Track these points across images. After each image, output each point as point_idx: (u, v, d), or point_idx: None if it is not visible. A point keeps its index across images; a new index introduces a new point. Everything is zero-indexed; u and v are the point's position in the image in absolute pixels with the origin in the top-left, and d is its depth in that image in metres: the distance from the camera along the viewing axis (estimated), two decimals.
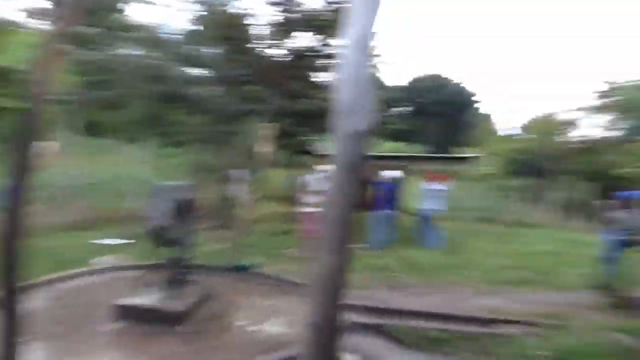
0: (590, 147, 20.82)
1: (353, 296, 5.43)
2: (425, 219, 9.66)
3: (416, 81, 43.51)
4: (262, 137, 6.05)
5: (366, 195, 12.83)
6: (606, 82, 19.13)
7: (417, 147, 31.57)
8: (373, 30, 2.03)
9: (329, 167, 7.34)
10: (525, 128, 22.14)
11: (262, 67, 10.51)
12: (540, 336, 4.26)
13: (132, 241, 4.46)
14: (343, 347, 3.70)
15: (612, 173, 20.26)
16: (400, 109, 41.29)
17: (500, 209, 17.13)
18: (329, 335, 2.00)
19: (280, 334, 3.94)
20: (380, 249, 8.76)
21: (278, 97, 10.23)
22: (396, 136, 34.76)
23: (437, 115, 41.83)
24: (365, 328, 4.07)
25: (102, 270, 5.39)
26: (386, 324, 4.36)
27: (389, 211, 9.47)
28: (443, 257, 8.31)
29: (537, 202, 18.69)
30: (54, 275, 5.11)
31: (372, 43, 2.05)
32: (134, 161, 17.59)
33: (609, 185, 19.15)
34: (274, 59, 10.53)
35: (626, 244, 6.29)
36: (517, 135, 27.06)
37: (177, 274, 4.07)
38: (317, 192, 7.27)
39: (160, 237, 3.89)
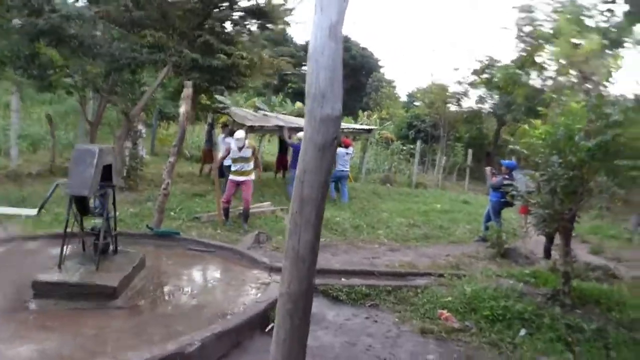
0: (469, 117, 23.56)
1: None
2: (339, 179, 10.70)
3: None
4: (185, 95, 5.61)
5: (285, 158, 13.31)
6: (478, 60, 21.41)
7: None
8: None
9: (241, 134, 7.24)
10: (418, 95, 23.92)
11: (165, 11, 9.46)
12: (446, 285, 4.94)
13: (34, 210, 3.87)
14: None
15: (488, 142, 23.39)
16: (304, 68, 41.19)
17: (397, 172, 18.68)
18: (304, 303, 2.11)
19: (218, 302, 3.91)
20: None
21: (185, 47, 9.41)
22: (298, 95, 34.86)
23: (344, 77, 42.72)
24: None
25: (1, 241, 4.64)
26: (319, 284, 4.60)
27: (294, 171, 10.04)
28: (356, 218, 8.87)
29: (429, 166, 20.76)
30: None
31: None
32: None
33: (486, 152, 22.21)
34: (181, 2, 9.53)
35: (506, 204, 7.46)
36: (413, 102, 29.25)
37: (102, 244, 3.71)
38: (238, 159, 7.14)
39: (84, 206, 3.48)
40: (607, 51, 13.73)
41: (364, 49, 46.01)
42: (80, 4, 8.51)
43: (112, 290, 3.43)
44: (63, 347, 2.80)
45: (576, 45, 15.01)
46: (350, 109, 39.63)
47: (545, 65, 18.54)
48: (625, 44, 8.35)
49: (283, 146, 13.08)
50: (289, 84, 37.33)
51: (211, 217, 7.57)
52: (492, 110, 21.73)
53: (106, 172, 3.74)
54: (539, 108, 7.60)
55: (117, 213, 4.14)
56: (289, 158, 12.40)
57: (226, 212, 7.37)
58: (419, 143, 17.70)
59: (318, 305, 4.29)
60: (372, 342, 3.66)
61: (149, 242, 5.37)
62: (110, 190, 3.87)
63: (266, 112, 14.09)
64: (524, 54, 19.08)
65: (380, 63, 48.50)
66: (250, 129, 10.64)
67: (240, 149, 7.23)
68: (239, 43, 10.41)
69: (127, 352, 2.58)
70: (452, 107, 24.09)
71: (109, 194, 3.85)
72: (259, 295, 3.98)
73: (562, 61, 16.72)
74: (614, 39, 8.42)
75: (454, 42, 41.31)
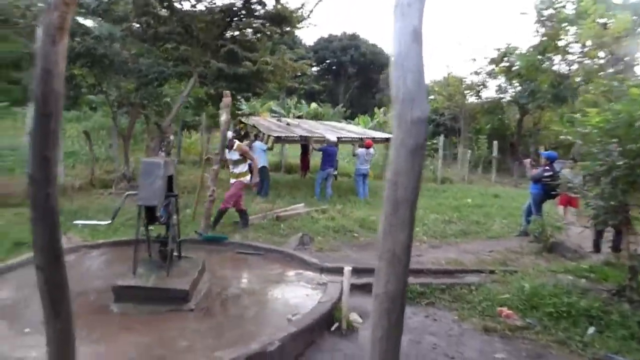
0: (489, 108, 23.20)
1: (329, 258, 5.70)
2: (362, 177, 11.34)
3: (328, 40, 43.41)
4: (224, 104, 5.74)
5: (307, 159, 13.77)
6: (496, 49, 21.01)
7: (328, 108, 31.84)
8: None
9: (229, 135, 7.19)
10: (436, 89, 23.67)
11: (187, 24, 9.66)
12: (500, 282, 4.91)
13: (107, 220, 4.08)
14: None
15: (510, 132, 22.98)
16: (316, 68, 41.32)
17: None
18: (401, 302, 2.16)
19: (281, 303, 4.01)
20: (326, 200, 10.23)
21: (209, 58, 9.59)
22: (310, 96, 34.90)
23: (352, 75, 42.61)
24: (357, 288, 4.30)
25: (70, 250, 4.86)
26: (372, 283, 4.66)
27: (330, 169, 10.87)
28: None
29: (451, 160, 20.56)
30: (19, 258, 4.54)
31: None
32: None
33: (509, 142, 21.86)
34: (202, 15, 9.71)
35: (548, 197, 7.37)
36: (429, 95, 28.94)
37: (169, 250, 3.86)
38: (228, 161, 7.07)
39: (152, 215, 3.62)
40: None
41: (373, 45, 45.79)
42: (102, 24, 8.71)
43: (184, 294, 3.57)
44: (153, 346, 2.96)
45: (604, 25, 14.58)
46: (363, 107, 39.62)
47: (569, 49, 18.11)
48: None
49: (305, 148, 13.50)
50: (301, 86, 37.59)
51: (250, 221, 7.69)
52: (513, 100, 21.34)
53: (169, 183, 3.89)
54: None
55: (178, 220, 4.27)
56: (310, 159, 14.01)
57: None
58: (441, 137, 17.54)
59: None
60: (436, 340, 3.69)
61: (199, 248, 5.51)
62: (174, 199, 4.01)
63: (288, 121, 14.31)
64: (545, 38, 18.68)
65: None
66: (277, 140, 10.94)
67: (228, 149, 6.95)
68: (261, 49, 10.55)
69: (214, 351, 2.69)
70: (471, 99, 23.81)
71: (172, 203, 3.99)
72: (319, 295, 4.05)
73: (589, 43, 16.27)
74: None
75: (468, 32, 40.75)
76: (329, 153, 10.81)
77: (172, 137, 11.00)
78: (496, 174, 18.59)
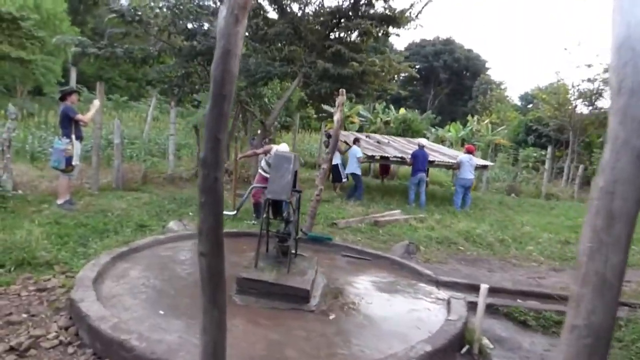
0: (605, 120, 20.60)
1: (439, 270, 5.30)
2: (466, 187, 10.60)
3: (420, 45, 42.22)
4: (339, 102, 5.63)
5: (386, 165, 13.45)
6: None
7: (416, 114, 30.76)
8: None
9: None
10: (543, 96, 21.61)
11: (297, 26, 9.83)
12: None
13: (233, 211, 4.19)
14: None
15: None
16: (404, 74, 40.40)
17: (520, 180, 17.12)
18: (605, 342, 1.77)
19: (403, 315, 3.72)
20: (421, 208, 9.88)
21: (315, 58, 9.65)
22: (396, 102, 34.07)
23: (443, 81, 41.01)
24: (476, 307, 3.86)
25: (184, 237, 5.09)
26: (499, 304, 4.19)
27: (423, 174, 10.42)
28: (497, 230, 8.17)
29: (555, 174, 18.66)
30: (144, 240, 4.86)
31: None
32: (148, 119, 17.00)
33: None
34: (311, 17, 9.82)
35: None
36: (531, 103, 26.69)
37: (288, 247, 3.79)
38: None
39: (278, 210, 3.58)
40: None
41: (469, 50, 43.71)
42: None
43: (305, 293, 3.46)
44: (284, 346, 2.88)
45: None
46: (452, 114, 37.79)
47: None
48: None
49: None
50: (388, 91, 37.01)
51: (348, 223, 7.55)
52: None
53: (295, 178, 3.82)
54: None
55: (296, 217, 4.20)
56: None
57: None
58: (549, 149, 15.96)
59: (506, 330, 3.91)
60: None
61: (304, 247, 5.44)
62: (298, 195, 3.94)
63: (378, 138, 13.95)
64: None
65: (487, 65, 45.63)
66: (371, 159, 10.83)
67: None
68: (366, 51, 10.40)
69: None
70: (583, 109, 21.37)
71: (296, 199, 3.92)
72: (442, 311, 3.71)
73: None
74: None
75: (579, 38, 36.90)
76: (419, 157, 10.34)
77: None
78: None
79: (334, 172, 10.79)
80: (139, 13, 8.49)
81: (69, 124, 6.41)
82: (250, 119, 11.81)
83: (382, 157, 11.04)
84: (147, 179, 9.65)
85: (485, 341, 3.43)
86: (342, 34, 10.41)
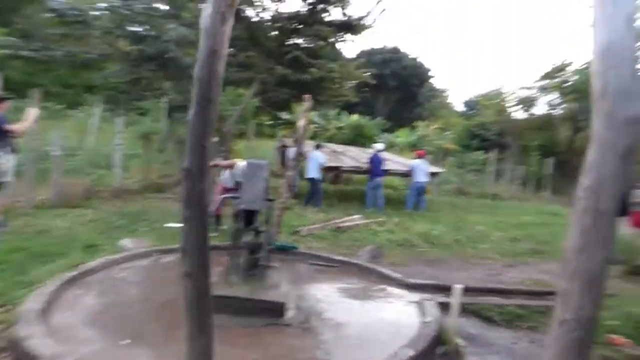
0: (541, 124, 22.28)
1: (405, 273, 5.37)
2: (420, 191, 11.12)
3: (369, 53, 43.31)
4: (304, 109, 5.58)
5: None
6: (553, 64, 20.35)
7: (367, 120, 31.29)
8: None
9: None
10: (485, 103, 23.01)
11: (253, 31, 9.71)
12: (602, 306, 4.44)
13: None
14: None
15: (559, 150, 22.01)
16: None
17: (467, 182, 17.97)
18: (591, 334, 1.85)
19: (381, 321, 3.71)
20: (380, 211, 9.99)
21: (274, 64, 9.57)
22: (346, 108, 34.63)
23: (393, 89, 42.30)
24: (446, 307, 3.95)
25: (144, 254, 4.75)
26: (466, 302, 4.31)
27: (379, 179, 10.71)
28: (452, 231, 8.48)
29: (498, 176, 19.80)
30: (95, 262, 4.43)
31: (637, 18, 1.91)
32: (91, 129, 15.90)
33: (561, 160, 20.90)
34: (267, 23, 9.75)
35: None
36: (472, 110, 28.22)
37: (257, 259, 3.65)
38: None
39: (250, 220, 3.44)
40: None
41: (413, 59, 45.43)
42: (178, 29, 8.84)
43: (280, 307, 3.34)
44: None
45: None
46: (402, 120, 39.05)
47: None
48: None
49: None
50: (344, 98, 37.51)
51: (311, 230, 7.50)
52: (566, 116, 20.43)
53: (268, 188, 3.70)
54: None
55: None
56: None
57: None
58: (493, 153, 16.92)
59: (475, 326, 4.03)
60: None
61: (271, 257, 5.30)
62: (269, 204, 3.82)
63: (334, 148, 14.05)
64: None
65: (430, 73, 47.62)
66: (328, 170, 10.91)
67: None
68: (325, 57, 10.50)
69: None
70: (519, 114, 22.99)
71: (268, 208, 3.80)
72: (416, 313, 3.75)
73: None
74: None
75: (515, 47, 39.77)
76: (376, 161, 10.56)
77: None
78: (549, 192, 17.74)
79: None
80: (81, 13, 7.94)
81: (1, 136, 5.80)
82: None
83: (338, 168, 11.17)
84: (92, 193, 9.00)
85: (459, 340, 3.51)
86: (300, 40, 10.42)
